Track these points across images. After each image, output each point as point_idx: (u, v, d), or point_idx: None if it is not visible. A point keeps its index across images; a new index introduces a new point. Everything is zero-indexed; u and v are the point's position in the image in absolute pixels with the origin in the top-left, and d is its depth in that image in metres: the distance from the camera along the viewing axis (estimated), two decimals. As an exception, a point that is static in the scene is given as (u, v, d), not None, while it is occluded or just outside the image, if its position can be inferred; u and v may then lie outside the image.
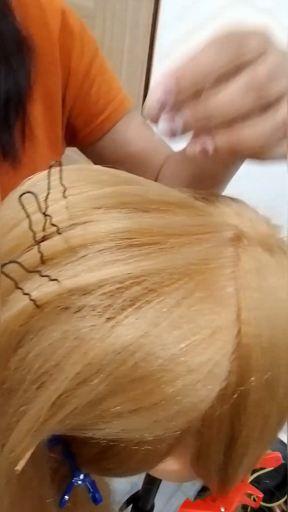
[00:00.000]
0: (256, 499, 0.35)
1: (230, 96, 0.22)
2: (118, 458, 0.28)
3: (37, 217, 0.21)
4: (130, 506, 0.61)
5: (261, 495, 0.34)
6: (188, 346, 0.21)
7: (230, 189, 0.41)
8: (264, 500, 1.09)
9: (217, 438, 0.26)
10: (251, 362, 0.23)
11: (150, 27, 1.08)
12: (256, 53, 0.22)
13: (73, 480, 0.34)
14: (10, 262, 0.19)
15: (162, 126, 0.23)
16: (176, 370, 0.21)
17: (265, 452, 0.30)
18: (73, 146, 0.55)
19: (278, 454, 0.37)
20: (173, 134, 0.23)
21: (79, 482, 0.35)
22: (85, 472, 0.34)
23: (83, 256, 0.21)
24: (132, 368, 0.21)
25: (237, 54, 0.21)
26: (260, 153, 0.24)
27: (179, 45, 1.02)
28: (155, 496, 0.59)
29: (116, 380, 0.21)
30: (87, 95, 0.49)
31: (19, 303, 0.20)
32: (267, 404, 0.25)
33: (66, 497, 0.34)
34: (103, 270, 0.21)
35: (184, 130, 0.23)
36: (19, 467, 0.22)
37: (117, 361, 0.20)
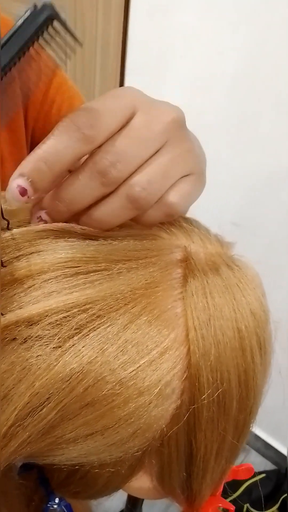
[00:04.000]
0: (228, 512, 0.35)
1: (75, 188, 0.22)
2: (84, 481, 0.28)
3: None
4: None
5: (232, 508, 0.35)
6: (137, 369, 0.22)
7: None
8: (257, 507, 1.09)
9: (176, 456, 0.26)
10: (202, 380, 0.24)
11: (120, 42, 1.10)
12: (108, 132, 0.22)
13: (48, 505, 0.34)
14: None
15: (33, 218, 0.24)
16: (127, 394, 0.22)
17: (230, 466, 0.30)
18: None
19: (250, 465, 0.38)
20: (45, 222, 0.24)
21: (55, 506, 0.34)
22: (60, 496, 0.34)
23: (29, 287, 0.22)
24: (82, 394, 0.21)
25: (86, 142, 0.21)
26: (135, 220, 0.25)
27: (150, 59, 1.03)
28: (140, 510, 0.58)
29: (66, 407, 0.21)
30: (48, 116, 0.49)
31: None
32: (221, 420, 0.25)
33: None
34: (49, 300, 0.21)
35: (55, 219, 0.24)
36: None
37: (65, 389, 0.21)
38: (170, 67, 0.99)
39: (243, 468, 0.38)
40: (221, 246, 0.28)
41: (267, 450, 1.26)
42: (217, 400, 0.24)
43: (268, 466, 1.27)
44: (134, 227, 0.27)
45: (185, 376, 0.23)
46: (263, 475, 1.20)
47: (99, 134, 0.21)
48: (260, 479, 1.16)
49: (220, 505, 0.35)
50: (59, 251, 0.23)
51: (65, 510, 0.36)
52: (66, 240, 0.24)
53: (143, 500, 0.56)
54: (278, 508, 1.11)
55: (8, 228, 0.23)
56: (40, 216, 0.23)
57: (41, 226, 0.24)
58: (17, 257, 0.22)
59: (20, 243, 0.23)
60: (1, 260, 0.22)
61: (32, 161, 0.21)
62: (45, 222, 0.24)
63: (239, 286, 0.26)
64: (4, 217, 0.22)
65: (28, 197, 0.21)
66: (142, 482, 0.29)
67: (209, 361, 0.24)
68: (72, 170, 0.23)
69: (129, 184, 0.22)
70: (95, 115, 0.21)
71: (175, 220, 0.29)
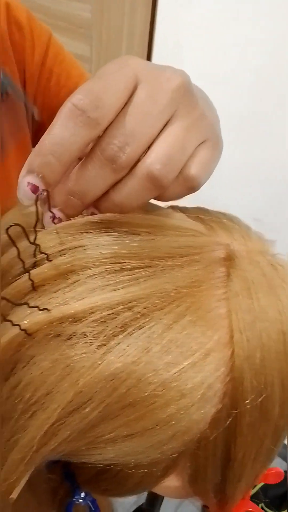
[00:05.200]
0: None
1: (86, 179, 0.21)
2: (116, 480, 0.28)
3: (26, 244, 0.21)
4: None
5: (261, 512, 0.34)
6: (180, 371, 0.21)
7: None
8: (273, 508, 1.08)
9: (213, 459, 0.25)
10: (245, 384, 0.23)
11: (147, 36, 1.09)
12: (113, 111, 0.20)
13: (73, 499, 0.34)
14: (2, 298, 0.19)
15: (46, 218, 0.22)
16: (169, 395, 0.21)
17: (264, 470, 0.30)
18: None
19: (279, 470, 0.37)
20: (60, 220, 0.23)
21: (80, 500, 0.34)
22: (86, 491, 0.34)
23: (73, 283, 0.21)
24: (124, 394, 0.21)
25: (93, 125, 0.20)
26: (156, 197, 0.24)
27: (176, 53, 1.02)
28: (159, 509, 0.58)
29: (108, 407, 0.21)
30: (47, 88, 0.47)
31: (9, 333, 0.20)
32: (262, 425, 0.24)
33: None
34: (94, 296, 0.21)
35: (69, 215, 0.23)
36: (14, 495, 0.22)
37: (108, 389, 0.20)
38: (194, 63, 0.98)
39: (273, 472, 0.37)
40: (262, 244, 0.27)
41: (283, 449, 1.25)
42: (259, 405, 0.23)
43: (284, 466, 1.26)
44: (174, 221, 0.26)
45: (228, 379, 0.23)
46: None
47: (105, 115, 0.20)
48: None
49: (250, 509, 0.34)
50: (103, 246, 0.22)
51: (90, 505, 0.36)
52: (109, 234, 0.23)
53: (163, 497, 0.56)
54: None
55: (53, 222, 0.22)
56: (54, 215, 0.22)
57: (84, 219, 0.23)
58: (60, 251, 0.22)
59: (63, 237, 0.22)
60: (47, 254, 0.21)
61: (39, 155, 0.20)
62: (60, 220, 0.23)
63: (284, 286, 0.25)
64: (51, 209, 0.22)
65: (40, 193, 0.20)
66: (171, 482, 0.29)
67: (253, 364, 0.23)
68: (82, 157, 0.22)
69: (146, 163, 0.21)
70: (98, 95, 0.20)
71: (215, 216, 0.28)
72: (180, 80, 0.22)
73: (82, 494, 0.34)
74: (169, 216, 0.26)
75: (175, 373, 0.21)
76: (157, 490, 0.31)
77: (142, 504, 0.60)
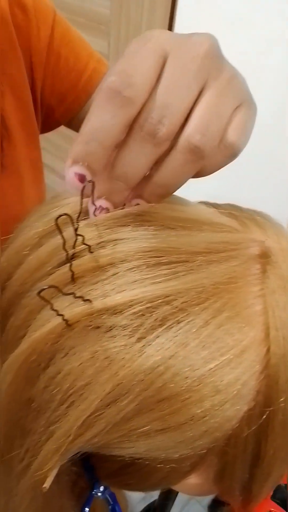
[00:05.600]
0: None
1: (129, 159, 0.20)
2: (140, 474, 0.28)
3: (66, 236, 0.22)
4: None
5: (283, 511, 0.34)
6: (216, 367, 0.21)
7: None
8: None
9: (242, 457, 0.25)
10: (280, 382, 0.23)
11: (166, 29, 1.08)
12: (147, 87, 0.20)
13: (93, 492, 0.34)
14: (50, 287, 0.19)
15: (91, 210, 0.22)
16: (204, 391, 0.21)
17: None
18: (50, 127, 0.51)
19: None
20: (106, 211, 0.22)
21: (99, 494, 0.34)
22: (105, 485, 0.34)
23: (112, 275, 0.21)
24: (160, 388, 0.21)
25: (130, 105, 0.19)
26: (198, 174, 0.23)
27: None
28: (171, 507, 0.58)
29: (144, 401, 0.21)
30: (56, 71, 0.45)
31: (49, 323, 0.20)
32: None
33: (87, 509, 0.34)
34: (133, 289, 0.21)
35: (115, 202, 0.22)
36: (47, 484, 0.22)
37: (146, 382, 0.20)
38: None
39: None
40: None
41: None
42: None
43: None
44: (208, 217, 0.26)
45: (262, 376, 0.22)
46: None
47: (140, 92, 0.20)
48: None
49: (272, 509, 0.34)
50: (141, 240, 0.22)
51: (109, 498, 0.36)
52: (146, 228, 0.23)
53: (177, 494, 0.56)
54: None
55: (94, 215, 0.22)
56: (100, 206, 0.22)
57: (122, 212, 0.23)
58: (99, 243, 0.22)
59: (101, 230, 0.22)
60: (89, 246, 0.21)
61: (82, 143, 0.20)
62: (107, 210, 0.23)
63: None
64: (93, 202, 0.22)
65: (87, 181, 0.20)
66: (194, 479, 0.29)
67: None
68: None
69: (185, 135, 0.21)
70: (129, 73, 0.20)
71: (247, 213, 0.28)
72: (208, 44, 0.21)
73: (101, 488, 0.34)
74: (203, 211, 0.26)
75: (211, 368, 0.21)
76: (178, 487, 0.31)
77: (154, 501, 0.60)
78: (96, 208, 0.22)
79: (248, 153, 0.26)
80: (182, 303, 0.21)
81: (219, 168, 0.23)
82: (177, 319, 0.21)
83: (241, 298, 0.23)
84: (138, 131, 0.20)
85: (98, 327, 0.20)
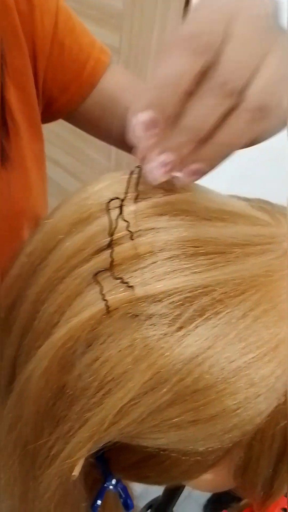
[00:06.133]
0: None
1: (199, 109, 0.20)
2: (162, 467, 0.27)
3: (103, 223, 0.21)
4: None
5: (298, 510, 0.34)
6: (252, 359, 0.21)
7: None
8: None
9: (269, 452, 0.25)
10: None
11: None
12: (215, 43, 0.20)
13: (105, 485, 0.34)
14: (105, 270, 0.19)
15: (152, 167, 0.21)
16: (239, 383, 0.21)
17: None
18: (49, 119, 0.49)
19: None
20: (168, 170, 0.22)
21: (111, 487, 0.34)
22: (117, 477, 0.34)
23: (151, 263, 0.21)
24: (197, 379, 0.20)
25: (201, 52, 0.20)
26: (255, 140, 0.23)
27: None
28: (175, 504, 0.58)
29: (180, 391, 0.20)
30: (59, 62, 0.43)
31: (88, 309, 0.20)
32: None
33: (99, 501, 0.34)
34: (172, 278, 0.20)
35: (180, 155, 0.21)
36: (76, 472, 0.22)
37: (183, 372, 0.20)
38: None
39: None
40: None
41: None
42: None
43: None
44: (242, 210, 0.26)
45: None
46: None
47: (210, 43, 0.20)
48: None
49: (286, 507, 0.34)
50: (179, 229, 0.22)
51: (121, 492, 0.36)
52: (183, 218, 0.23)
53: (182, 491, 0.56)
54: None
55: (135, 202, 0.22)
56: (164, 161, 0.21)
57: (160, 200, 0.23)
58: (137, 231, 0.21)
59: (139, 219, 0.22)
60: (131, 232, 0.21)
61: (156, 89, 0.20)
62: (169, 168, 0.22)
63: None
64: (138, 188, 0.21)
65: (157, 131, 0.20)
66: (214, 474, 0.29)
67: None
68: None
69: (256, 93, 0.21)
70: (201, 23, 0.20)
71: (278, 208, 0.28)
72: (271, 4, 0.22)
73: (113, 481, 0.34)
74: (237, 204, 0.26)
75: (247, 361, 0.21)
76: (195, 481, 0.31)
77: (158, 496, 0.60)
78: (157, 165, 0.21)
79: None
80: (221, 294, 0.21)
81: (277, 133, 0.23)
82: (216, 310, 0.21)
83: (277, 291, 0.23)
84: (207, 84, 0.20)
85: (137, 315, 0.20)
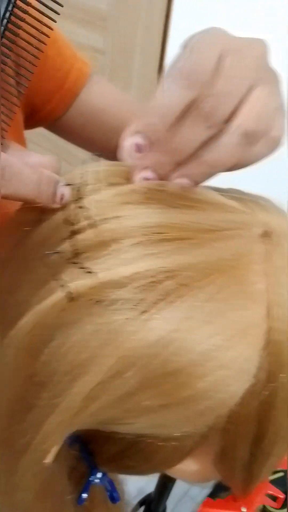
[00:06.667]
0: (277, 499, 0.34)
1: (182, 136, 0.22)
2: (141, 455, 0.28)
3: (70, 210, 0.22)
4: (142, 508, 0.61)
5: (282, 495, 0.34)
6: (220, 341, 0.21)
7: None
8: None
9: (244, 435, 0.25)
10: (282, 359, 0.23)
11: (161, 29, 1.09)
12: (209, 76, 0.22)
13: (90, 479, 0.34)
14: (55, 252, 0.19)
15: (137, 177, 0.24)
16: (208, 365, 0.21)
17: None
18: (32, 126, 0.50)
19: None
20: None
21: (97, 480, 0.34)
22: (103, 471, 0.34)
23: (115, 250, 0.21)
24: (164, 362, 0.21)
25: (192, 87, 0.22)
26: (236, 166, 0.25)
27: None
28: (167, 499, 0.58)
29: (147, 374, 0.21)
30: (43, 72, 0.45)
31: (52, 296, 0.20)
32: None
33: (84, 495, 0.34)
34: (136, 263, 0.21)
35: (161, 174, 0.24)
36: (49, 459, 0.22)
37: (149, 355, 0.20)
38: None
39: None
40: None
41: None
42: None
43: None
44: (212, 197, 0.26)
45: (265, 353, 0.23)
46: (281, 473, 1.19)
47: (204, 78, 0.22)
48: (278, 478, 1.15)
49: (270, 491, 0.34)
50: (145, 216, 0.22)
51: (108, 485, 0.36)
52: (150, 206, 0.23)
53: (173, 486, 0.56)
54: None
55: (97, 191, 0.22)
56: (145, 176, 0.24)
57: (126, 188, 0.23)
58: (103, 219, 0.22)
59: (104, 206, 0.22)
60: (94, 220, 0.21)
61: (148, 117, 0.22)
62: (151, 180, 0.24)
63: None
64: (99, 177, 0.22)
65: (143, 153, 0.22)
66: (195, 463, 0.29)
67: None
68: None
69: (240, 120, 0.23)
70: (196, 60, 0.22)
71: (251, 196, 0.28)
72: (264, 48, 0.24)
73: (99, 475, 0.34)
74: (208, 192, 0.26)
75: (215, 343, 0.21)
76: (176, 473, 0.31)
77: (150, 493, 0.60)
78: (143, 177, 0.24)
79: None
80: (186, 278, 0.21)
81: (259, 160, 0.25)
82: (180, 293, 0.21)
83: (245, 275, 0.23)
84: (193, 112, 0.22)
85: (101, 301, 0.20)
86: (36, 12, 0.43)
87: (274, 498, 0.35)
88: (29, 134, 0.49)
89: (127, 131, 0.23)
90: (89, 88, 0.49)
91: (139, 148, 0.22)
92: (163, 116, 0.22)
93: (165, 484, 0.55)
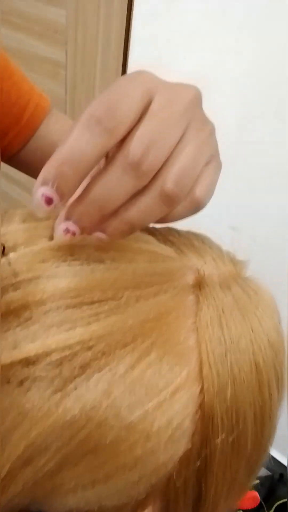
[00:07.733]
0: None
1: (107, 186, 0.20)
2: None
3: None
4: None
5: None
6: (145, 412, 0.20)
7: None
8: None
9: (184, 498, 0.24)
10: (215, 421, 0.22)
11: (122, 42, 1.07)
12: (130, 121, 0.20)
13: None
14: None
15: (58, 231, 0.22)
16: (133, 439, 0.20)
17: (238, 501, 0.28)
18: None
19: (255, 494, 0.36)
20: (73, 234, 0.22)
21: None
22: None
23: (26, 321, 0.19)
24: (83, 441, 0.19)
25: (110, 135, 0.19)
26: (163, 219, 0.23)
27: (152, 59, 1.01)
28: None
29: (66, 456, 0.19)
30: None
31: None
32: (235, 462, 0.23)
33: None
34: (49, 336, 0.19)
35: (84, 227, 0.22)
36: None
37: (65, 437, 0.19)
38: (172, 68, 0.97)
39: (248, 497, 0.36)
40: (234, 267, 0.26)
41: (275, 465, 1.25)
42: (231, 441, 0.22)
43: (261, 472, 1.26)
44: (141, 246, 0.25)
45: (197, 417, 0.21)
46: (257, 481, 1.19)
47: (122, 124, 0.20)
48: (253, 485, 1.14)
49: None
50: (61, 278, 0.20)
51: None
52: (69, 264, 0.21)
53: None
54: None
55: (3, 253, 0.20)
56: (67, 228, 0.21)
57: (44, 245, 0.21)
58: (13, 285, 0.20)
59: (17, 268, 0.20)
60: (12, 282, 0.19)
61: (54, 165, 0.20)
62: (73, 234, 0.22)
63: (256, 314, 0.24)
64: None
65: (54, 205, 0.20)
66: None
67: (224, 400, 0.21)
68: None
69: (162, 180, 0.21)
70: (114, 104, 0.20)
71: (185, 238, 0.27)
72: (194, 92, 0.23)
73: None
74: (138, 240, 0.25)
75: (140, 415, 0.20)
76: None
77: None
78: (63, 230, 0.21)
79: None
80: (105, 346, 0.20)
81: (180, 219, 0.24)
82: (99, 365, 0.19)
83: (172, 333, 0.22)
84: (120, 160, 0.20)
85: (8, 381, 0.18)
86: None
87: None
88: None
89: (38, 179, 0.20)
90: (48, 123, 0.48)
91: (48, 200, 0.20)
92: (74, 166, 0.19)
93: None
